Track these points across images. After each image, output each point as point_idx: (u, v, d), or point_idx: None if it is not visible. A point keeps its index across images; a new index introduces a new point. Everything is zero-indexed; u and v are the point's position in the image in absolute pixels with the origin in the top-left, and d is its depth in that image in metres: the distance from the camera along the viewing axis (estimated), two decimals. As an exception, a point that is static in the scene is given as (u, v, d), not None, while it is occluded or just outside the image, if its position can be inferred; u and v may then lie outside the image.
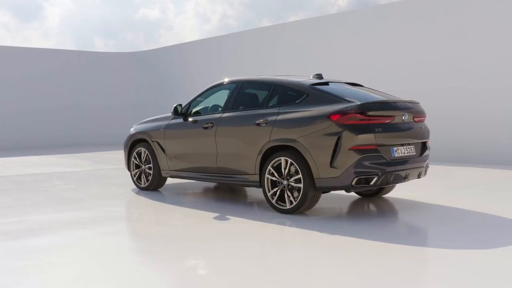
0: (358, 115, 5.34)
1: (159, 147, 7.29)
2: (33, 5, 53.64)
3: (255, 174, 6.03)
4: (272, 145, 5.82)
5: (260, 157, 5.94)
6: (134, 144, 7.78)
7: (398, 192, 6.97)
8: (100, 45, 52.33)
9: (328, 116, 5.41)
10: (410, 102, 5.97)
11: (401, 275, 3.79)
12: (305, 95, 5.83)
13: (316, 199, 5.68)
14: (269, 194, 5.88)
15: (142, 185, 7.64)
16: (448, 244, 4.58)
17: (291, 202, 5.69)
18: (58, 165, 11.24)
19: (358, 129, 5.32)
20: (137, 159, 7.69)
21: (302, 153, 5.53)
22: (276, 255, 4.44)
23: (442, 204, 6.25)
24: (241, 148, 6.18)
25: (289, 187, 5.71)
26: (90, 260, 4.18)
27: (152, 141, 7.38)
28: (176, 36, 51.36)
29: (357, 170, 5.29)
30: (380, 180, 5.40)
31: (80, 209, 6.22)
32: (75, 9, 53.86)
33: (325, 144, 5.38)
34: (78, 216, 5.81)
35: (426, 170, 6.13)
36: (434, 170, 9.79)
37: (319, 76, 6.44)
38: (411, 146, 5.80)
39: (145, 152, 7.54)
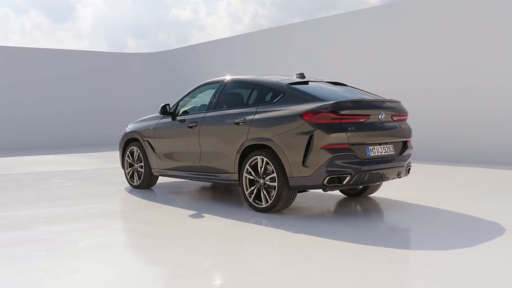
0: (330, 114, 5.33)
1: (149, 146, 7.42)
2: (66, 6, 54.99)
3: (234, 172, 6.09)
4: (249, 144, 5.86)
5: (238, 156, 5.99)
6: (128, 142, 7.93)
7: (387, 191, 6.90)
8: (132, 46, 53.22)
9: (300, 115, 5.42)
10: (389, 101, 5.91)
11: (374, 274, 3.77)
12: (282, 94, 5.85)
13: (291, 198, 5.69)
14: (246, 193, 5.92)
15: (135, 184, 7.78)
16: (416, 245, 4.54)
17: (267, 201, 5.72)
18: (67, 164, 11.51)
19: (330, 128, 5.31)
20: (130, 158, 7.84)
21: (276, 152, 5.55)
22: (233, 252, 4.47)
23: (425, 205, 6.14)
24: (222, 147, 6.24)
25: (265, 186, 5.74)
26: (47, 254, 4.31)
27: (143, 140, 7.52)
28: (208, 36, 51.88)
29: (328, 169, 5.27)
30: (354, 179, 5.37)
31: (65, 206, 6.38)
32: (107, 10, 55.00)
33: (298, 143, 5.39)
34: (60, 213, 5.97)
35: (408, 170, 6.05)
36: (434, 169, 9.68)
37: (302, 75, 6.45)
38: (390, 145, 5.74)
39: (137, 151, 7.68)
